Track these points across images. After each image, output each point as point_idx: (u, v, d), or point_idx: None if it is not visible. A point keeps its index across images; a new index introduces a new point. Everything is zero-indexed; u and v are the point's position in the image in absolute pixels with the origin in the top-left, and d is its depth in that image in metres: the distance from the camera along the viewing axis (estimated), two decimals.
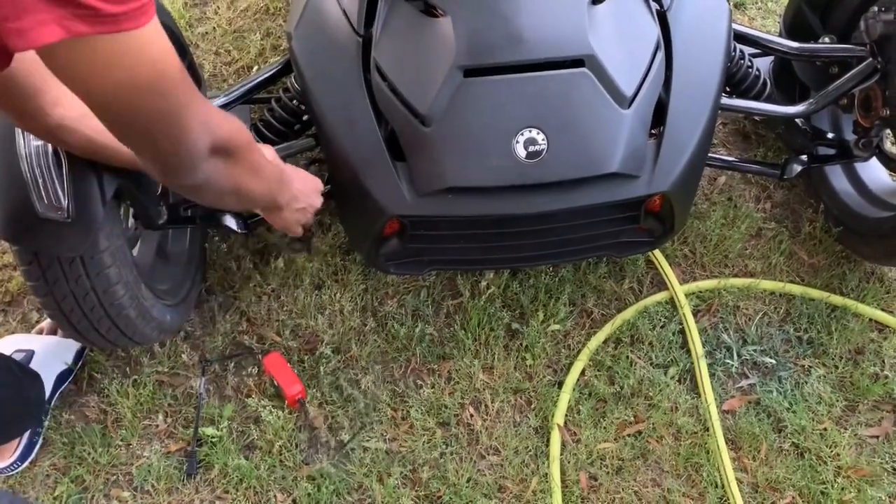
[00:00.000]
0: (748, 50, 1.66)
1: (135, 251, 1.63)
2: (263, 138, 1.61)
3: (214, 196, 1.05)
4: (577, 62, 1.38)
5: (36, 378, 1.58)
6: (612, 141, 1.39)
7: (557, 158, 1.37)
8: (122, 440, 1.62)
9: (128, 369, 1.70)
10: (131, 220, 1.48)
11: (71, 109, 1.06)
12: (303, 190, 1.36)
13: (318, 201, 1.42)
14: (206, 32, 2.27)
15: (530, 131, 1.36)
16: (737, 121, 2.05)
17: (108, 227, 1.28)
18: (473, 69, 1.38)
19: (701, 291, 1.78)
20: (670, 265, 1.79)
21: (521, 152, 1.36)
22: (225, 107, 1.57)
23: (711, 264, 1.83)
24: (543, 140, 1.36)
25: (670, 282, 1.76)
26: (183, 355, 1.72)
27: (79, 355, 1.70)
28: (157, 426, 1.64)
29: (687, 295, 1.76)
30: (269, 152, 1.34)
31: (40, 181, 1.17)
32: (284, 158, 1.43)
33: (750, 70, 1.64)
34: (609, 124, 1.39)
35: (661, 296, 1.77)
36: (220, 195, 1.04)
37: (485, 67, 1.38)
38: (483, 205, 1.42)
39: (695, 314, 1.74)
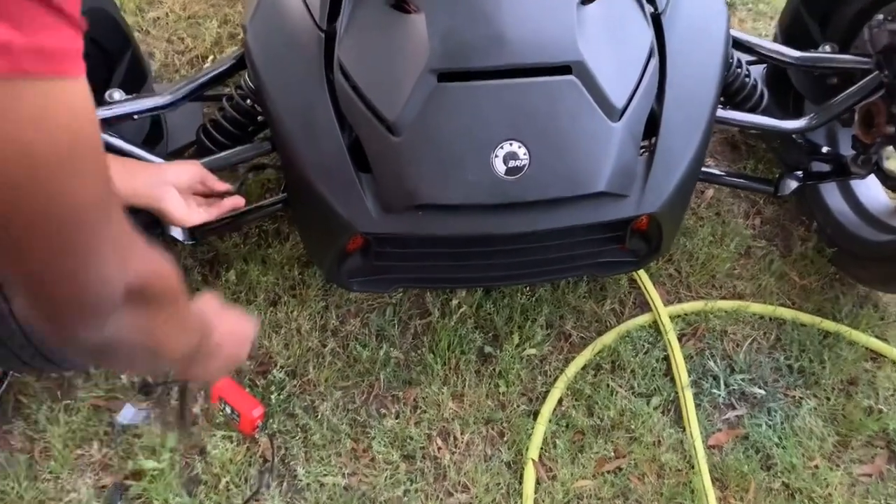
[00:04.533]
0: (745, 57, 1.54)
1: None
2: (213, 141, 1.45)
3: (123, 360, 0.74)
4: (563, 69, 1.24)
5: None
6: (600, 157, 1.26)
7: (540, 175, 1.24)
8: (50, 472, 1.45)
9: (59, 392, 1.53)
10: None
11: None
12: (228, 344, 0.91)
13: (245, 350, 0.98)
14: (158, 18, 2.09)
15: (511, 144, 1.23)
16: (726, 130, 1.94)
17: None
18: (448, 73, 1.23)
19: (686, 314, 1.67)
20: (654, 285, 1.67)
21: (500, 167, 1.22)
22: (174, 104, 1.40)
23: (698, 285, 1.71)
24: (525, 154, 1.23)
25: (654, 304, 1.64)
26: (122, 377, 1.55)
27: (2, 376, 1.53)
28: (91, 457, 1.48)
29: (672, 318, 1.64)
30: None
31: None
32: (236, 166, 1.28)
33: (747, 80, 1.52)
34: (597, 139, 1.26)
35: (644, 318, 1.65)
36: (130, 358, 0.71)
37: (461, 72, 1.24)
38: (456, 224, 1.28)
39: (680, 339, 1.63)
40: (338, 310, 1.64)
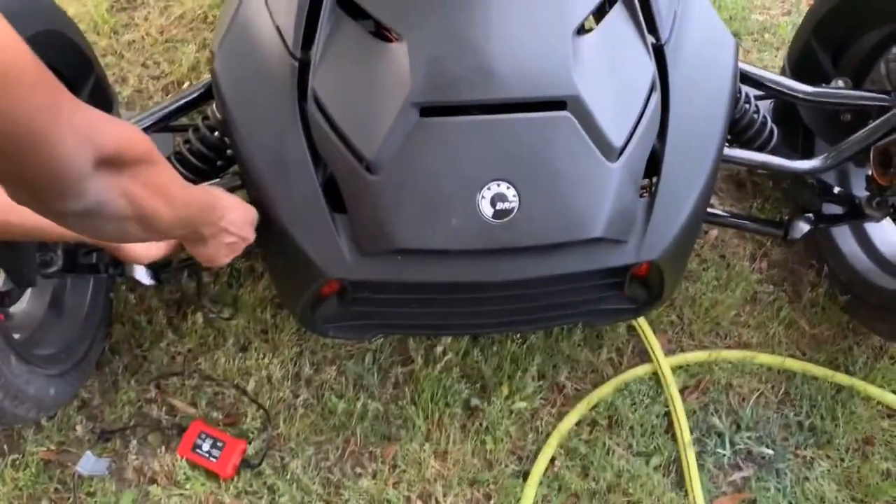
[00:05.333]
0: (752, 92, 1.44)
1: (19, 306, 1.35)
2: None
3: (115, 226, 0.80)
4: (557, 104, 1.13)
5: None
6: (597, 200, 1.14)
7: (530, 219, 1.12)
8: None
9: (5, 447, 1.41)
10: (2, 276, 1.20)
11: None
12: (235, 221, 1.10)
13: (251, 235, 1.17)
14: (134, 41, 1.98)
15: (499, 185, 1.12)
16: (731, 167, 1.83)
17: None
18: (432, 108, 1.12)
19: (689, 365, 1.55)
20: (655, 333, 1.56)
21: (487, 210, 1.11)
22: None
23: (701, 333, 1.59)
24: (514, 196, 1.12)
25: (655, 354, 1.53)
26: (78, 427, 1.43)
27: None
28: None
29: (674, 369, 1.52)
30: None
31: None
32: None
33: (755, 116, 1.41)
34: (593, 180, 1.14)
35: (643, 369, 1.53)
36: (121, 222, 0.80)
37: (446, 106, 1.13)
38: (439, 270, 1.16)
39: (682, 391, 1.51)
40: (312, 356, 1.53)
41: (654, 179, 1.23)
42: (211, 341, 1.53)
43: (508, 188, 1.12)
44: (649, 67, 1.23)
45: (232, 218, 1.09)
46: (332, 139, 1.16)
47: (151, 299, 1.56)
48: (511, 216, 1.12)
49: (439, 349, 1.53)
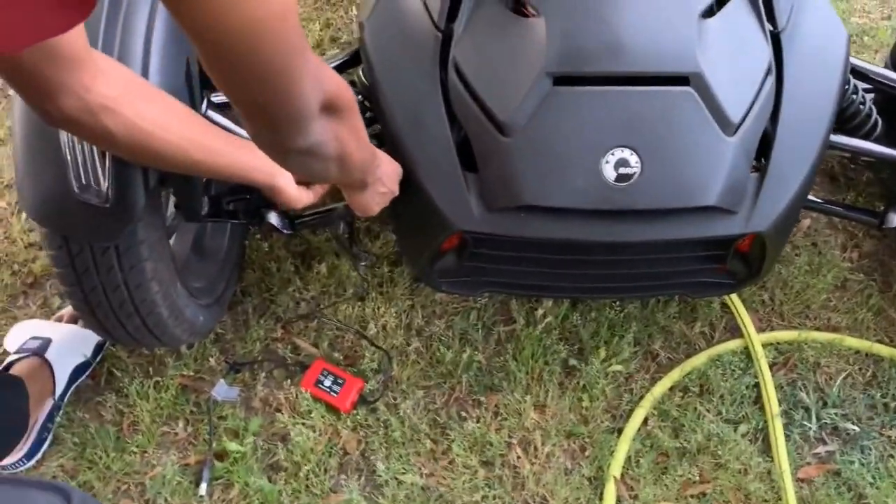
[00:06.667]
0: (861, 84, 1.51)
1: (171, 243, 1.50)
2: None
3: (321, 164, 0.91)
4: (681, 79, 1.23)
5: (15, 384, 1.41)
6: (713, 170, 1.24)
7: (650, 184, 1.23)
8: (137, 446, 1.49)
9: (151, 369, 1.57)
10: (171, 210, 1.36)
11: (110, 87, 0.92)
12: (387, 172, 1.25)
13: (397, 188, 1.30)
14: None
15: (622, 151, 1.22)
16: (825, 160, 1.89)
17: (148, 217, 1.15)
18: (564, 77, 1.24)
19: (779, 343, 1.62)
20: (747, 311, 1.63)
21: (609, 174, 1.22)
22: None
23: (791, 314, 1.66)
24: (637, 162, 1.22)
25: (747, 330, 1.60)
26: (211, 359, 1.58)
27: (98, 348, 1.57)
28: (177, 434, 1.51)
29: (764, 346, 1.60)
30: None
31: (80, 159, 1.04)
32: None
33: (862, 106, 1.48)
34: (711, 152, 1.24)
35: (735, 343, 1.61)
36: (327, 162, 0.91)
37: (577, 76, 1.24)
38: (559, 228, 1.27)
39: (770, 367, 1.58)
40: (423, 309, 1.65)
41: (763, 161, 1.31)
42: (332, 290, 1.66)
43: (631, 154, 1.22)
44: (766, 52, 1.32)
45: (386, 170, 1.23)
46: (469, 103, 1.28)
47: (280, 249, 1.71)
48: (632, 180, 1.22)
49: (540, 311, 1.63)
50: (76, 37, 0.85)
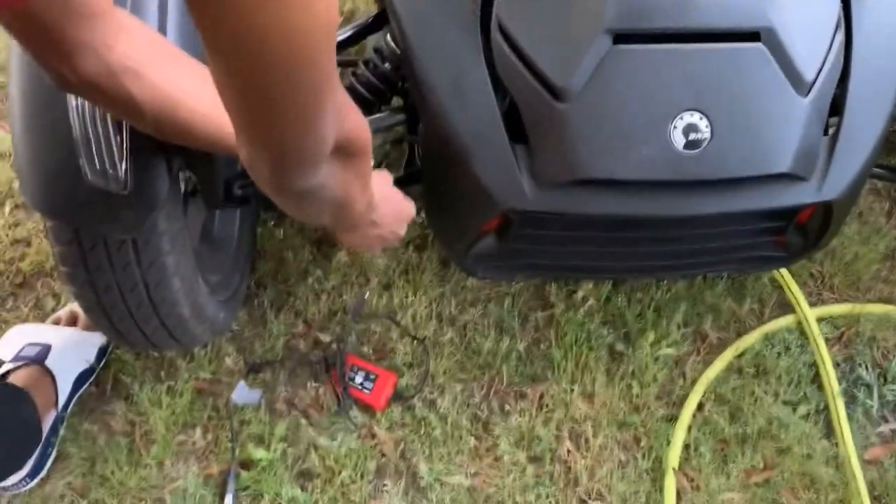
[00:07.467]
0: None
1: None
2: None
3: (316, 208, 0.79)
4: (752, 35, 1.12)
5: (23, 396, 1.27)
6: (788, 134, 1.13)
7: (721, 151, 1.11)
8: (152, 458, 1.35)
9: (162, 373, 1.43)
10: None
11: (134, 47, 0.78)
12: (386, 215, 1.10)
13: (401, 231, 1.19)
14: None
15: (692, 115, 1.10)
16: None
17: (169, 205, 1.01)
18: (626, 35, 1.11)
19: (833, 317, 1.53)
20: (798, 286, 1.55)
21: (679, 140, 1.10)
22: None
23: (842, 287, 1.58)
24: (707, 127, 1.10)
25: (800, 306, 1.51)
26: (227, 359, 1.45)
27: (102, 352, 1.43)
28: (195, 443, 1.38)
29: (818, 320, 1.51)
30: None
31: (93, 140, 0.90)
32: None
33: None
34: (785, 113, 1.13)
35: (787, 320, 1.52)
36: (323, 206, 0.79)
37: (640, 34, 1.12)
38: (622, 203, 1.15)
39: (825, 343, 1.49)
40: (455, 297, 1.53)
41: (835, 121, 1.21)
42: (354, 280, 1.53)
43: (701, 119, 1.11)
44: (835, 6, 1.21)
45: (384, 212, 1.08)
46: (517, 67, 1.15)
47: (295, 237, 1.57)
48: (702, 147, 1.11)
49: (580, 294, 1.52)
50: None
